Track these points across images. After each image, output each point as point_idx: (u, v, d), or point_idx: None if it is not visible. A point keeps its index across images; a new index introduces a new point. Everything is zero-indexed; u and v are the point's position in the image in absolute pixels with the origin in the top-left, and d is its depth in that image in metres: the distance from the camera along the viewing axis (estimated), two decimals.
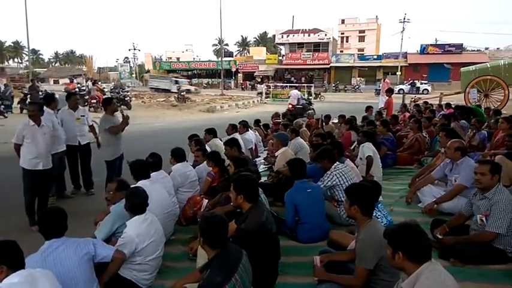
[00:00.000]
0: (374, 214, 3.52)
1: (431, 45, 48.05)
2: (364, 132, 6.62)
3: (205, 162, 5.50)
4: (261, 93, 32.53)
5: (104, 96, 18.37)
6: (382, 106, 13.28)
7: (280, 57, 55.72)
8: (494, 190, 3.58)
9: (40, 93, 18.90)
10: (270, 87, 32.80)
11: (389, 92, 13.43)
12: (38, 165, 5.01)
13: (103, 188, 5.42)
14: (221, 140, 7.00)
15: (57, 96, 6.90)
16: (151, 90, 38.55)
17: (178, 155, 5.14)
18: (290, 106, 18.18)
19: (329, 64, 49.33)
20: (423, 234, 2.19)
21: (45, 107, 5.62)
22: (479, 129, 7.80)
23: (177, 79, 41.05)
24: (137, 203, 3.30)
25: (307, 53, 50.85)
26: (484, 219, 3.54)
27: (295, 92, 19.45)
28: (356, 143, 6.98)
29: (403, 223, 2.33)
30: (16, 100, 18.93)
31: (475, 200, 3.77)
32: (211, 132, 7.07)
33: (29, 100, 16.35)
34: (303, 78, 47.45)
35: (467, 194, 4.39)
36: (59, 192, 6.10)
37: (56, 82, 56.31)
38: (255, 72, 51.80)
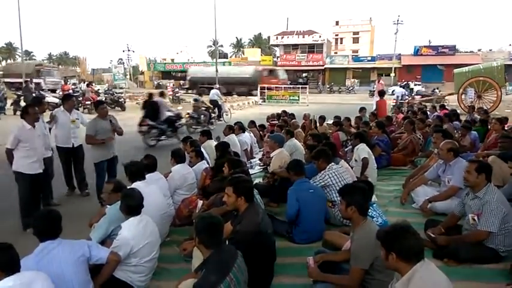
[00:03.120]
0: (369, 214, 3.54)
1: (424, 46, 48.25)
2: (356, 134, 6.65)
3: (198, 163, 5.52)
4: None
5: (98, 98, 18.33)
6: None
7: (275, 59, 55.69)
8: (485, 190, 3.62)
9: (34, 94, 18.79)
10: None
11: (381, 94, 13.47)
12: (38, 168, 4.96)
13: (95, 190, 5.40)
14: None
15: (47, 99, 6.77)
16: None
17: (178, 156, 5.14)
18: (394, 102, 19.57)
19: (323, 65, 49.44)
20: (415, 234, 2.22)
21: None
22: (470, 130, 7.87)
23: None
24: (132, 205, 3.29)
25: (302, 54, 50.94)
26: (476, 218, 3.58)
27: (399, 89, 21.21)
28: (350, 147, 7.00)
29: (395, 224, 2.36)
30: (9, 101, 18.75)
31: (467, 199, 3.81)
32: (206, 134, 7.14)
33: (22, 102, 16.20)
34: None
35: (459, 195, 4.44)
36: (45, 200, 5.66)
37: None
38: None
